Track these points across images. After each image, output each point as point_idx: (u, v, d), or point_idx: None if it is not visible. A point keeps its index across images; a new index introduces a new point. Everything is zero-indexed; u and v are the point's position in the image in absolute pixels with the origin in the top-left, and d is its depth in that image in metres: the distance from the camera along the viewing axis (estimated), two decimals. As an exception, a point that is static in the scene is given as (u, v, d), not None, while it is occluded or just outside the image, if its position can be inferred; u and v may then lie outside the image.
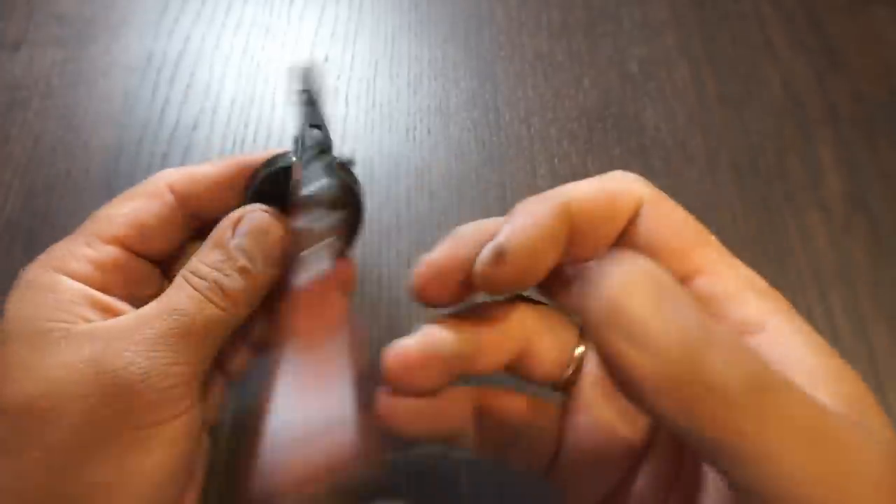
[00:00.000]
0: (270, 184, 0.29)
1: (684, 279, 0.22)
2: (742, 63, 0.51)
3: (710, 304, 0.21)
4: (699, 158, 0.46)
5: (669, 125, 0.48)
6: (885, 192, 0.45)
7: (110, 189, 0.44)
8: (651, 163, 0.46)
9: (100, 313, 0.26)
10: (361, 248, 0.43)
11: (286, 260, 0.27)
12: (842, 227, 0.44)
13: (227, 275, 0.26)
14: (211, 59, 0.50)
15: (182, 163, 0.45)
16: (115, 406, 0.23)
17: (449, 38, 0.51)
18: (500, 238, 0.21)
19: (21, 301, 0.25)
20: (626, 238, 0.23)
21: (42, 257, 0.27)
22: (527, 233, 0.21)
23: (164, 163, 0.45)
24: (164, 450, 0.24)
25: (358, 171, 0.32)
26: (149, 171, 0.45)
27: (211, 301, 0.26)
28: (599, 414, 0.24)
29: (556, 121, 0.48)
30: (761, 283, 0.22)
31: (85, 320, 0.25)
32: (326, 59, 0.50)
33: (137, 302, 0.27)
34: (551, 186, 0.48)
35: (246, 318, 0.27)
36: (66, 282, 0.26)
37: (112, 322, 0.25)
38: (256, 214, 0.28)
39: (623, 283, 0.16)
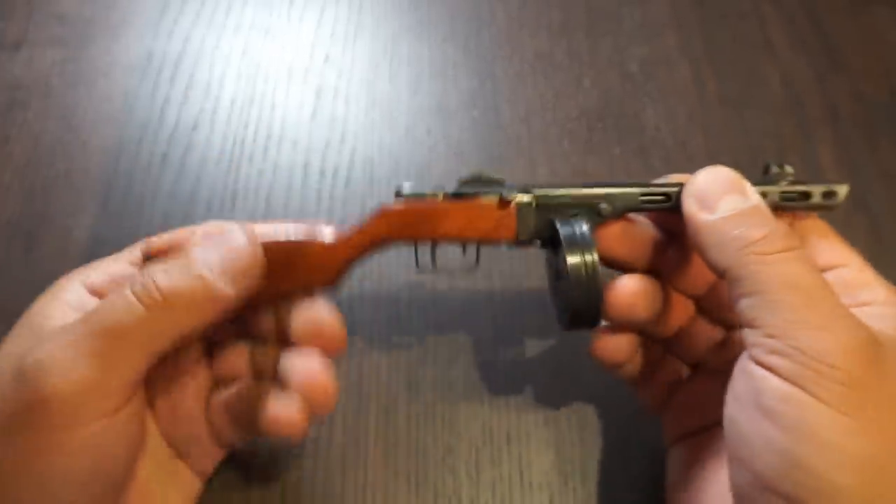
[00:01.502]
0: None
1: (830, 268, 0.29)
2: (742, 63, 0.51)
3: (848, 287, 0.28)
4: (699, 158, 0.46)
5: (670, 125, 0.48)
6: (885, 192, 0.45)
7: (110, 189, 0.44)
8: (651, 162, 0.46)
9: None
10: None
11: (250, 285, 0.27)
12: (842, 227, 0.44)
13: (169, 274, 0.26)
14: (211, 59, 0.50)
15: (182, 163, 0.45)
16: (26, 403, 0.24)
17: (449, 39, 0.51)
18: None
19: (41, 298, 0.29)
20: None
21: (85, 265, 0.30)
22: None
23: (164, 163, 0.45)
24: (83, 452, 0.24)
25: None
26: (148, 170, 0.45)
27: (142, 301, 0.25)
28: (713, 379, 0.32)
29: (556, 121, 0.48)
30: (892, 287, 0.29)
31: (61, 321, 0.27)
32: (327, 59, 0.50)
33: None
34: (551, 186, 0.47)
35: (200, 331, 0.26)
36: (74, 288, 0.29)
37: (63, 322, 0.26)
38: (236, 235, 0.27)
39: (706, 173, 0.29)
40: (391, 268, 0.42)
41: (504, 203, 0.30)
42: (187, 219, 0.43)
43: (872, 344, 0.24)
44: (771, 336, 0.24)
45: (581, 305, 0.29)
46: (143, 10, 0.52)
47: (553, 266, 0.32)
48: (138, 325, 0.25)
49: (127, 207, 0.44)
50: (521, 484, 0.36)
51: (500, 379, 0.39)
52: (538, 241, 0.31)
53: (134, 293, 0.25)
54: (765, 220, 0.27)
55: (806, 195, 0.30)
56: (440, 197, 0.30)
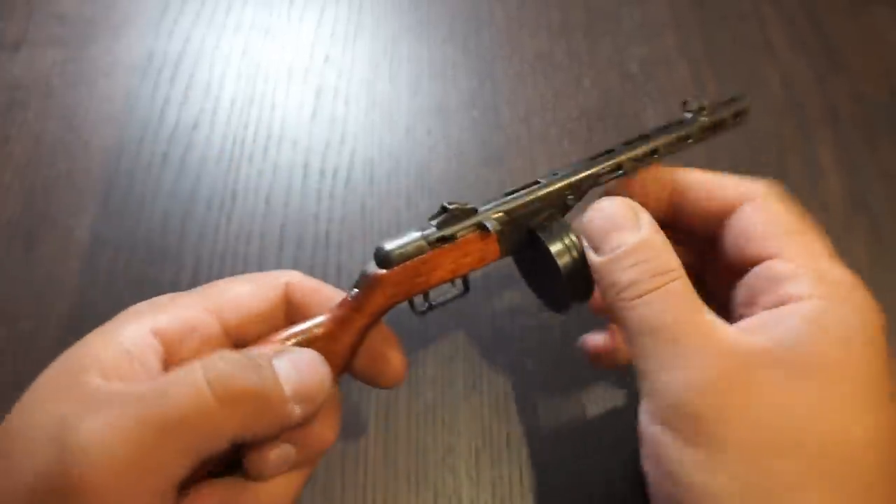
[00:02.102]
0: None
1: (761, 260, 0.27)
2: (742, 63, 0.51)
3: (774, 281, 0.27)
4: (699, 158, 0.46)
5: (669, 125, 0.48)
6: (885, 192, 0.45)
7: (111, 188, 0.44)
8: (651, 163, 0.46)
9: (138, 369, 0.25)
10: (361, 246, 0.43)
11: (314, 411, 0.26)
12: (842, 227, 0.44)
13: (247, 371, 0.24)
14: (211, 59, 0.50)
15: (182, 163, 0.45)
16: (58, 488, 0.22)
17: (448, 39, 0.51)
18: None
19: (97, 331, 0.26)
20: (727, 220, 0.29)
21: (146, 301, 0.28)
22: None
23: (165, 162, 0.45)
24: None
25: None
26: (149, 170, 0.45)
27: (214, 395, 0.23)
28: None
29: (556, 121, 0.48)
30: (835, 272, 0.26)
31: (116, 372, 0.24)
32: (327, 60, 0.50)
33: None
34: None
35: (249, 437, 0.24)
36: (139, 331, 0.26)
37: (118, 386, 0.24)
38: (310, 352, 0.26)
39: (593, 211, 0.28)
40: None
41: (485, 234, 0.30)
42: (187, 217, 0.43)
43: (732, 373, 0.24)
44: (643, 379, 0.25)
45: (576, 284, 0.30)
46: (143, 10, 0.52)
47: (532, 261, 0.32)
48: (200, 420, 0.23)
49: (127, 207, 0.44)
50: (521, 484, 0.36)
51: (500, 379, 0.39)
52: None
53: (207, 379, 0.23)
54: (641, 257, 0.26)
55: (723, 123, 0.34)
56: (425, 244, 0.29)
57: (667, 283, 0.26)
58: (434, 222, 0.30)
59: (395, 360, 0.30)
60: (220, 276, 0.41)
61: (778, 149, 0.47)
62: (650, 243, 0.27)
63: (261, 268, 0.42)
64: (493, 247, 0.30)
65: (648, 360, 0.25)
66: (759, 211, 0.29)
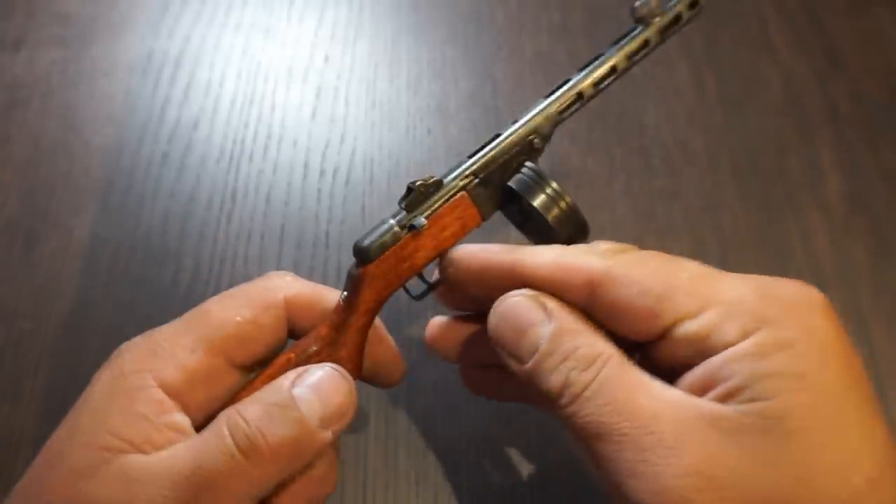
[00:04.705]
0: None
1: (667, 330, 0.24)
2: (742, 63, 0.51)
3: (696, 341, 0.23)
4: (699, 158, 0.46)
5: (670, 125, 0.48)
6: (885, 192, 0.45)
7: (111, 188, 0.44)
8: (651, 162, 0.46)
9: (166, 432, 0.25)
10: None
11: (345, 425, 0.26)
12: (842, 227, 0.44)
13: (274, 420, 0.24)
14: (211, 59, 0.50)
15: (182, 162, 0.45)
16: None
17: (448, 40, 0.51)
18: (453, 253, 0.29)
19: (104, 394, 0.25)
20: (594, 307, 0.25)
21: (144, 347, 0.26)
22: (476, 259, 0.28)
23: (165, 161, 0.45)
24: None
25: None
26: (149, 170, 0.45)
27: (247, 457, 0.23)
28: None
29: (556, 121, 0.48)
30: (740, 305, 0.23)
31: (146, 440, 0.24)
32: (327, 60, 0.50)
33: (210, 413, 0.26)
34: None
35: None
36: (151, 393, 0.25)
37: (149, 460, 0.23)
38: (326, 370, 0.26)
39: (494, 317, 0.26)
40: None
41: (457, 202, 0.29)
42: (187, 217, 0.43)
43: (712, 457, 0.21)
44: (611, 490, 0.23)
45: (570, 230, 0.29)
46: (143, 10, 0.52)
47: (520, 214, 0.31)
48: (236, 479, 0.23)
49: (127, 206, 0.44)
50: (523, 483, 0.36)
51: (500, 379, 0.39)
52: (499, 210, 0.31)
53: (236, 443, 0.23)
54: (563, 352, 0.23)
55: (678, 19, 0.33)
56: (399, 229, 0.28)
57: (599, 373, 0.23)
58: (403, 204, 0.29)
59: (391, 359, 0.30)
60: (219, 275, 0.41)
61: (778, 149, 0.47)
62: (565, 330, 0.24)
63: (261, 268, 0.42)
64: (471, 212, 0.30)
65: (610, 469, 0.22)
66: (621, 288, 0.24)
